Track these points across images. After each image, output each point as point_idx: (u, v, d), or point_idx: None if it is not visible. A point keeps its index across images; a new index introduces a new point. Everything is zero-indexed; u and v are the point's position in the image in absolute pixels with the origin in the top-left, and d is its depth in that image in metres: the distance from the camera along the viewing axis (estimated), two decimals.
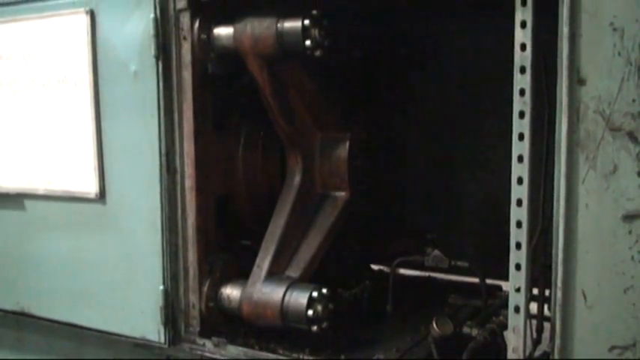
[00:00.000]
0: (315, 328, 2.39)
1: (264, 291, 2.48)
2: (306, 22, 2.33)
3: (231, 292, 2.61)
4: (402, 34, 3.10)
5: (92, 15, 2.65)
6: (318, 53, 2.37)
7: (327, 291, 2.44)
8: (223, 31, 2.54)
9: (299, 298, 2.40)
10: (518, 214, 2.01)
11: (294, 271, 2.57)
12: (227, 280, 2.64)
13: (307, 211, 2.68)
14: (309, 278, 2.57)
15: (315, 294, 2.40)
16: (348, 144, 2.68)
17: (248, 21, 2.44)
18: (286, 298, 2.42)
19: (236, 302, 2.57)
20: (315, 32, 2.35)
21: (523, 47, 1.95)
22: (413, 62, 3.16)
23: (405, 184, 3.35)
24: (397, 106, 3.27)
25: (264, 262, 2.55)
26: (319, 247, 2.62)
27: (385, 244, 3.25)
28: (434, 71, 3.17)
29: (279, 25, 2.37)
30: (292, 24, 2.35)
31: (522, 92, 1.96)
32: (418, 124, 3.33)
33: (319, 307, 2.40)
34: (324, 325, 2.42)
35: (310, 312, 2.37)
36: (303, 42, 2.34)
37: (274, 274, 2.54)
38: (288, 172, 2.69)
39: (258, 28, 2.41)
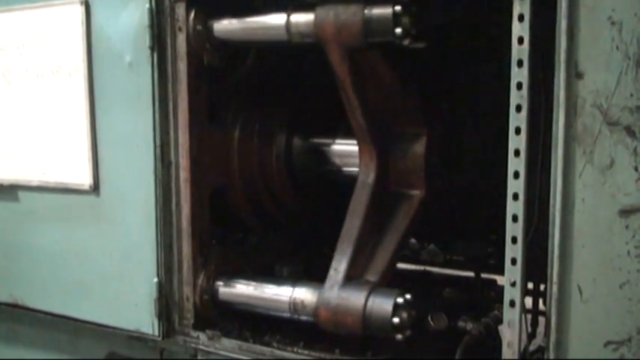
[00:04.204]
0: (399, 336, 2.24)
1: (344, 296, 2.33)
2: (397, 8, 2.19)
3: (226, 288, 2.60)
4: (478, 23, 2.82)
5: (87, 5, 2.64)
6: (407, 42, 2.22)
7: (411, 297, 2.28)
8: (223, 24, 2.53)
9: (383, 304, 2.25)
10: (514, 208, 2.00)
11: (372, 275, 2.41)
12: (221, 273, 2.64)
13: (382, 210, 2.52)
14: (386, 283, 2.42)
15: (400, 300, 2.24)
16: (425, 140, 2.51)
17: (331, 7, 2.30)
18: (369, 304, 2.26)
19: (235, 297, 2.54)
20: (406, 19, 2.20)
21: (520, 40, 1.94)
22: (488, 53, 2.88)
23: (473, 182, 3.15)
24: (473, 101, 3.00)
25: (341, 264, 2.40)
26: (396, 249, 2.48)
27: (448, 244, 3.13)
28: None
29: (366, 11, 2.24)
30: (382, 10, 2.21)
31: (519, 86, 1.95)
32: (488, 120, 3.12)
33: (404, 315, 2.24)
34: (408, 333, 2.26)
35: (396, 320, 2.22)
36: (393, 30, 2.19)
37: (352, 277, 2.39)
38: (361, 169, 2.53)
39: (343, 14, 2.27)
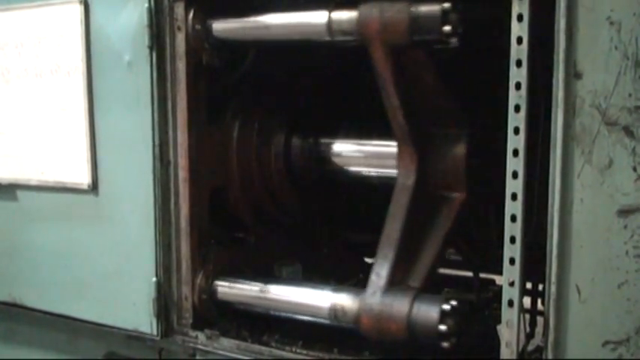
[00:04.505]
0: (446, 344, 2.16)
1: (387, 302, 2.25)
2: (446, 5, 2.12)
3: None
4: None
5: (86, 4, 2.63)
6: (453, 41, 2.15)
7: (457, 303, 2.21)
8: (222, 24, 2.53)
9: (429, 311, 2.17)
10: (513, 208, 2.00)
11: (414, 281, 2.34)
12: (220, 273, 2.63)
13: (422, 213, 2.42)
14: (428, 288, 2.35)
15: (446, 307, 2.17)
16: (466, 141, 2.42)
17: (375, 4, 2.24)
18: (414, 310, 2.19)
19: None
20: (454, 17, 2.13)
21: (519, 40, 1.94)
22: None
23: None
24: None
25: (382, 269, 2.31)
26: (438, 254, 2.39)
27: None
28: None
29: (413, 8, 2.17)
30: (430, 7, 2.15)
31: (518, 86, 1.95)
32: None
33: (451, 322, 2.17)
34: (454, 340, 2.18)
35: (443, 327, 2.15)
36: (442, 28, 2.12)
37: (394, 283, 2.31)
38: (400, 171, 2.44)
39: (388, 11, 2.20)
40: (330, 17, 2.34)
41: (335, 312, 2.37)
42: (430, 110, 2.43)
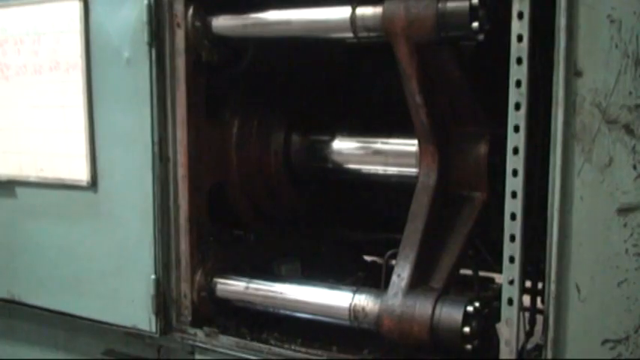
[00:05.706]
0: (469, 347, 2.14)
1: (409, 304, 2.22)
2: (475, 1, 2.07)
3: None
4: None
5: (85, 1, 2.63)
6: (481, 37, 2.11)
7: (480, 305, 2.18)
8: (222, 21, 2.53)
9: (453, 313, 2.15)
10: (513, 206, 2.00)
11: (436, 282, 2.30)
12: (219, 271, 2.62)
13: (444, 213, 2.38)
14: (449, 290, 2.34)
15: (469, 309, 2.14)
16: (487, 140, 2.38)
17: (401, 0, 2.19)
18: (436, 313, 2.17)
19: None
20: (483, 13, 2.09)
21: (520, 38, 1.94)
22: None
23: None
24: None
25: (404, 270, 2.28)
26: (460, 254, 2.35)
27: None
28: None
29: (440, 4, 2.13)
30: (458, 3, 2.10)
31: (519, 84, 1.95)
32: None
33: (474, 324, 2.15)
34: (477, 343, 2.16)
35: (467, 329, 2.12)
36: (470, 24, 2.09)
37: (416, 284, 2.27)
38: (422, 170, 2.40)
39: (415, 7, 2.16)
40: (354, 13, 2.31)
41: (355, 313, 2.35)
42: (452, 108, 2.39)
